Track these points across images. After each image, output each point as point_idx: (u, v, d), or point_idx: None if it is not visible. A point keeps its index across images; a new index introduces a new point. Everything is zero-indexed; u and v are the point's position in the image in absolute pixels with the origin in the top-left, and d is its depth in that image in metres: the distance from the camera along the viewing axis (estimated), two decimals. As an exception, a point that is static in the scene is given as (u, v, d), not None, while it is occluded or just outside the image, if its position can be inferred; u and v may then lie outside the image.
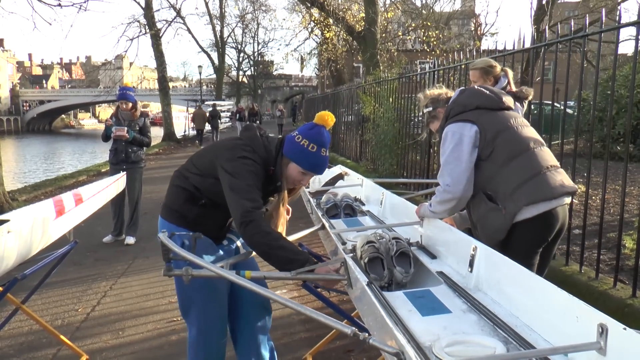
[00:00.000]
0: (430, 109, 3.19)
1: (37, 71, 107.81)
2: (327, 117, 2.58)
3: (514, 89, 3.98)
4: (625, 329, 1.43)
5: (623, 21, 3.76)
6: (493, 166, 2.73)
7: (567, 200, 2.76)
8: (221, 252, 2.74)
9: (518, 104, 3.84)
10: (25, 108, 77.38)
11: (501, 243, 2.73)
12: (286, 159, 2.56)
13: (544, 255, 2.83)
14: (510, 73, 4.03)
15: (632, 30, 3.70)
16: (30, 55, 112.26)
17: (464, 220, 3.20)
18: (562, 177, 2.75)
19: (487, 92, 2.95)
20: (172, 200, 2.71)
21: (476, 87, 3.11)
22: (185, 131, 33.28)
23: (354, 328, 1.63)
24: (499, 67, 3.98)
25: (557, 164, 2.83)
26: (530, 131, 2.89)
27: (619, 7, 4.85)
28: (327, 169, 2.83)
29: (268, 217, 2.63)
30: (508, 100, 2.96)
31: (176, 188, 2.70)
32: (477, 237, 2.79)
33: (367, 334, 1.59)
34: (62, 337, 3.60)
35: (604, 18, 3.97)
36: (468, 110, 2.85)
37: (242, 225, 2.40)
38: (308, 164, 2.54)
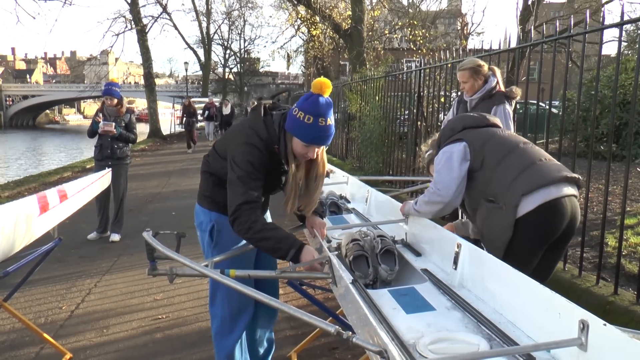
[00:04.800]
0: (431, 151, 3.23)
1: (21, 65, 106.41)
2: (322, 84, 2.41)
3: (503, 88, 4.01)
4: (605, 324, 1.45)
5: (607, 22, 3.81)
6: (487, 171, 2.77)
7: (571, 190, 2.67)
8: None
9: (507, 103, 3.89)
10: (8, 103, 76.16)
11: (508, 244, 2.65)
12: (289, 134, 2.48)
13: (549, 258, 2.74)
14: (498, 71, 4.05)
15: (616, 32, 3.74)
16: (13, 49, 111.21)
17: (465, 227, 3.21)
18: (558, 167, 2.72)
19: (472, 114, 3.12)
20: (203, 187, 2.77)
21: (460, 115, 3.27)
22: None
23: (337, 327, 1.64)
24: (486, 66, 4.00)
25: (551, 157, 2.82)
26: (516, 135, 3.00)
27: (602, 9, 4.90)
28: None
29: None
30: (494, 119, 3.07)
31: (203, 174, 2.77)
32: (486, 246, 2.75)
33: (350, 333, 1.60)
34: (45, 335, 3.57)
35: (588, 19, 4.02)
36: (456, 133, 2.95)
37: (231, 223, 2.45)
38: (306, 137, 2.44)
